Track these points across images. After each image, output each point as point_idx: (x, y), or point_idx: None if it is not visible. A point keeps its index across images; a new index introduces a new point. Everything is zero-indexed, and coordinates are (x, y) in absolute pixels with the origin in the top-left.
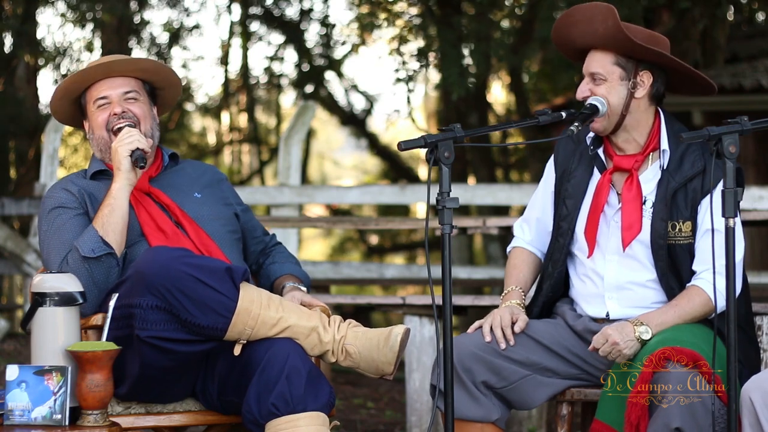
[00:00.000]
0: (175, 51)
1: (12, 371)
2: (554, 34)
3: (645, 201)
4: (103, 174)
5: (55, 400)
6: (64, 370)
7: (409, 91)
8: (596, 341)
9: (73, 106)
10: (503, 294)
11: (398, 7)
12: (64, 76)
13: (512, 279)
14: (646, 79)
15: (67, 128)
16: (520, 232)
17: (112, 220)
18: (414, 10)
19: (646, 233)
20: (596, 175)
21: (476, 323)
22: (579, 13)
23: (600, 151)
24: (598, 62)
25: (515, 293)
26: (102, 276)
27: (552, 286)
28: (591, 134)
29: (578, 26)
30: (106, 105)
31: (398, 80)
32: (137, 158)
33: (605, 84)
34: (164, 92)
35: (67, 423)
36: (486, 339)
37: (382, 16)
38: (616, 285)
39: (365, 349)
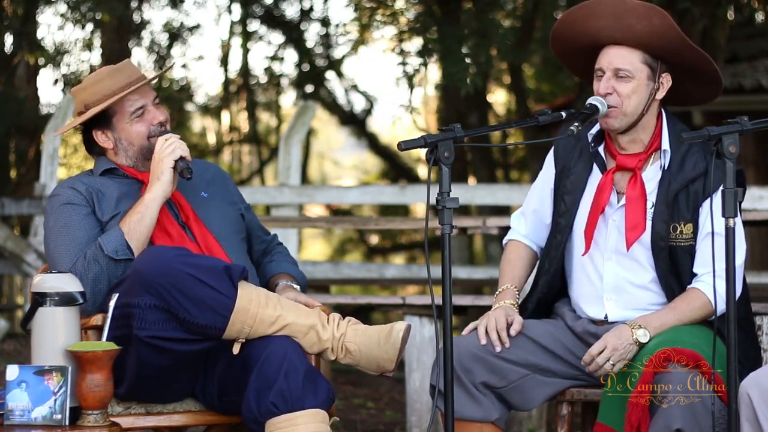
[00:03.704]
0: (175, 51)
1: (12, 371)
2: (564, 26)
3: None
4: (112, 172)
5: (55, 400)
6: (64, 370)
7: (412, 87)
8: (594, 348)
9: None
10: (497, 292)
11: (399, 5)
12: (64, 75)
13: (507, 276)
14: (665, 81)
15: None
16: (517, 224)
17: (138, 229)
18: (414, 11)
19: (646, 234)
20: (595, 172)
21: (471, 325)
22: (605, 6)
23: (600, 149)
24: (625, 59)
25: (509, 292)
26: (114, 277)
27: (548, 283)
28: (592, 131)
29: (602, 20)
30: (143, 113)
31: (404, 73)
32: (183, 169)
33: (632, 82)
34: None
35: (67, 423)
36: (481, 342)
37: (382, 14)
38: (615, 286)
39: (365, 346)
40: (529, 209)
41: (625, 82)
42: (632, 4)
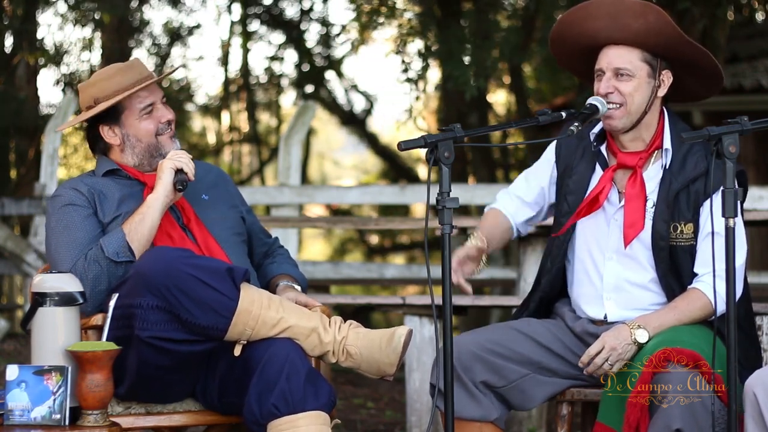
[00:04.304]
0: (176, 51)
1: (12, 371)
2: (562, 28)
3: (647, 200)
4: (114, 173)
5: (54, 400)
6: (63, 369)
7: (417, 88)
8: (592, 348)
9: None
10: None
11: (400, 4)
12: (64, 75)
13: (481, 231)
14: (666, 78)
15: (68, 128)
16: (503, 201)
17: (140, 230)
18: (414, 11)
19: (647, 234)
20: (598, 172)
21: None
22: (601, 7)
23: (603, 148)
24: (624, 58)
25: (477, 236)
26: (115, 280)
27: (550, 282)
28: (594, 130)
29: (599, 20)
30: (152, 111)
31: (407, 80)
32: (179, 181)
33: (633, 81)
34: None
35: (66, 423)
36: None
37: (383, 11)
38: (615, 286)
39: (367, 349)
40: (515, 192)
41: (626, 81)
42: (628, 3)
